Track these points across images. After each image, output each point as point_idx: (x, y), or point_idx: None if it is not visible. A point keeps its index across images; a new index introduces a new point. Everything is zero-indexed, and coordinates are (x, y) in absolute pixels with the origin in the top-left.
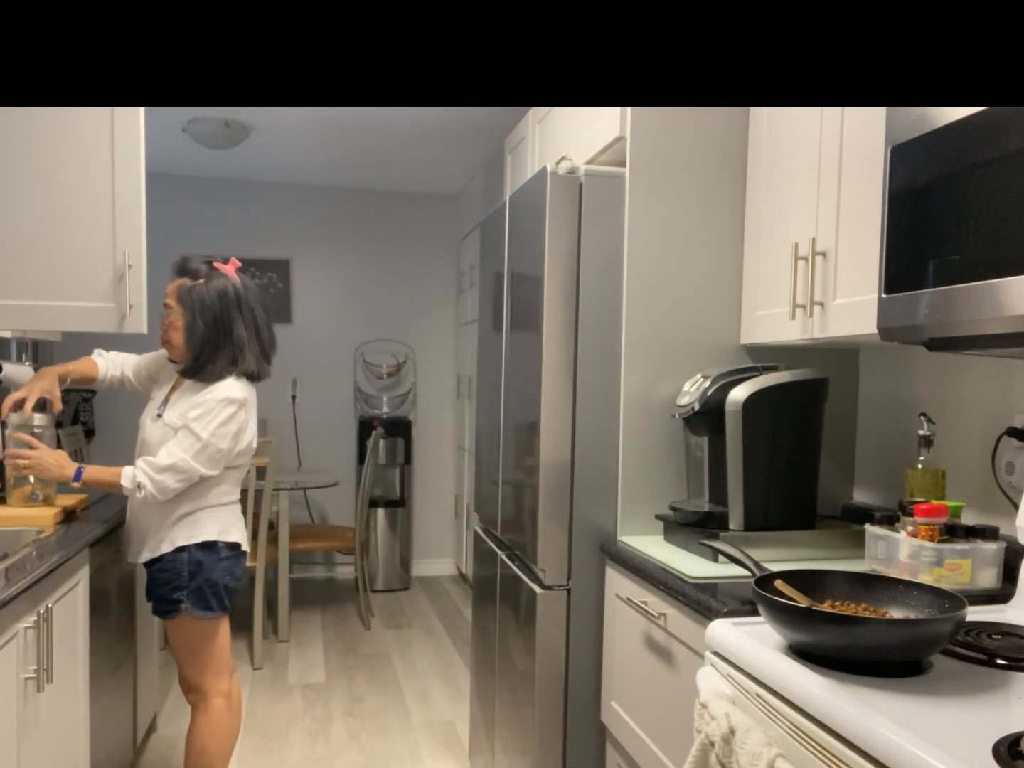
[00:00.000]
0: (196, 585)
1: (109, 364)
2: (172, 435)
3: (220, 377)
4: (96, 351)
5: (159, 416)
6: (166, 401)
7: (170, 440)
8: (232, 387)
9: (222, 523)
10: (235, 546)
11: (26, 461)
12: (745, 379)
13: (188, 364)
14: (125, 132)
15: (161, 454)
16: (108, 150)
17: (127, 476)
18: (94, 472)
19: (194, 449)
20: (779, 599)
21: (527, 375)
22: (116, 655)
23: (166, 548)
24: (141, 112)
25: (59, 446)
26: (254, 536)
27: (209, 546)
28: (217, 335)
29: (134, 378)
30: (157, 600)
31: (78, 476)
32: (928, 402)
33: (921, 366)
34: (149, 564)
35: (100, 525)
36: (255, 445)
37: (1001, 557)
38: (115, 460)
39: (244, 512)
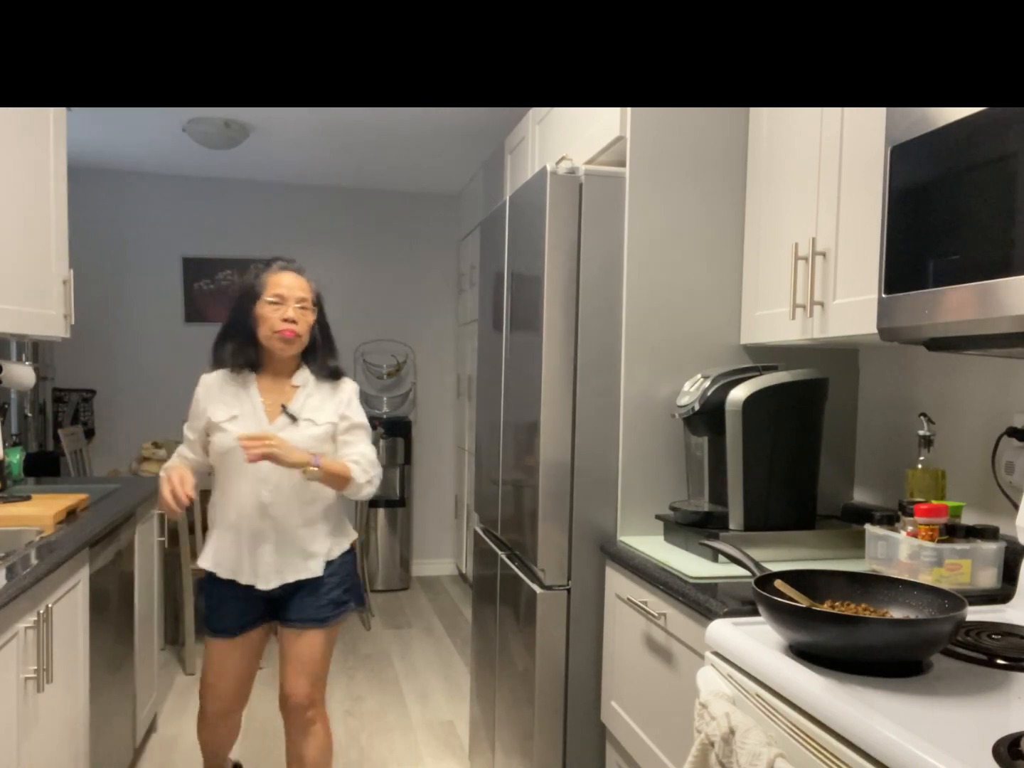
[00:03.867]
0: (354, 581)
1: (198, 460)
2: (324, 437)
3: (339, 375)
4: (176, 460)
5: (293, 420)
6: (279, 407)
7: (355, 440)
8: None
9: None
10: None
11: (274, 444)
12: (745, 379)
13: (319, 362)
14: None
15: (363, 451)
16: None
17: (357, 471)
18: (328, 463)
19: (370, 442)
20: (779, 599)
21: (527, 375)
22: (116, 655)
23: (337, 553)
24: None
25: (58, 445)
26: None
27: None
28: (327, 339)
29: (201, 446)
30: (330, 604)
31: (316, 461)
32: (928, 402)
33: (921, 366)
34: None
35: (100, 525)
36: None
37: (1001, 557)
38: (115, 460)
39: None
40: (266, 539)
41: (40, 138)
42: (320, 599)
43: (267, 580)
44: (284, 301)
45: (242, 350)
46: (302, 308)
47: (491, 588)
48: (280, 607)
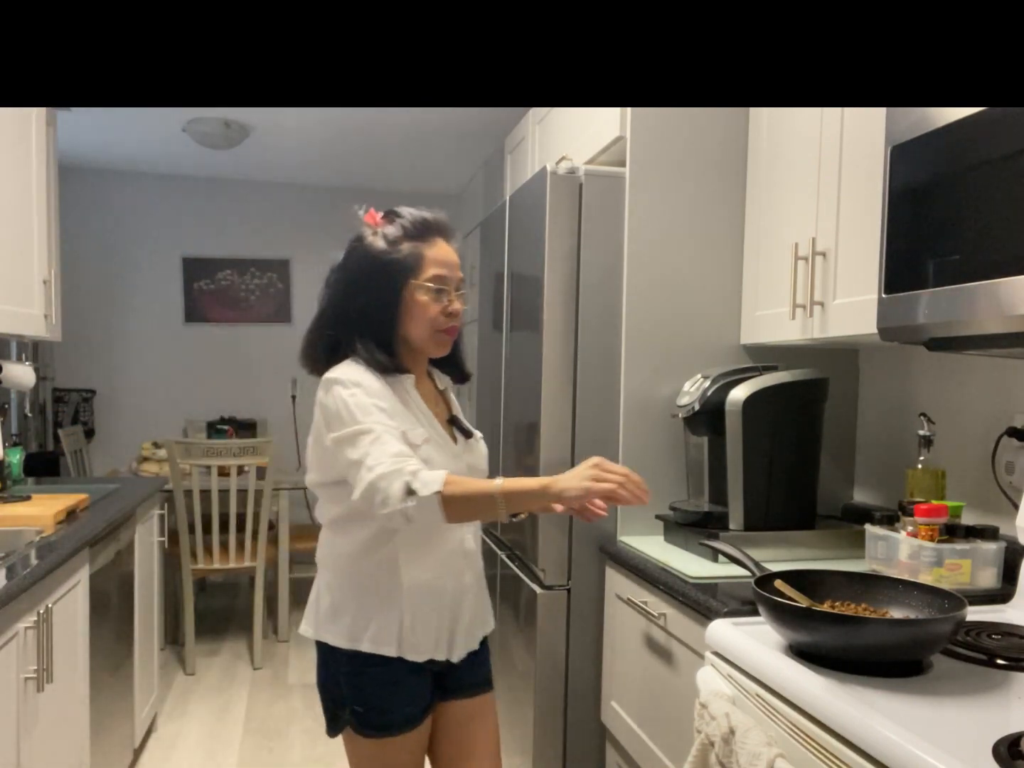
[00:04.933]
0: None
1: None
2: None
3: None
4: (419, 466)
5: (468, 436)
6: (444, 421)
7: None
8: None
9: None
10: None
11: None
12: (745, 379)
13: (457, 363)
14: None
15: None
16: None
17: None
18: None
19: None
20: (779, 599)
21: (527, 375)
22: (116, 655)
23: None
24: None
25: (58, 445)
26: (254, 536)
27: None
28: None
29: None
30: (488, 656)
31: None
32: (928, 402)
33: (921, 366)
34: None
35: (100, 525)
36: None
37: (1001, 557)
38: (115, 460)
39: (244, 512)
40: (467, 596)
41: (23, 137)
42: (485, 652)
43: (463, 648)
44: (447, 287)
45: (392, 348)
46: (460, 295)
47: (491, 588)
48: (442, 676)
